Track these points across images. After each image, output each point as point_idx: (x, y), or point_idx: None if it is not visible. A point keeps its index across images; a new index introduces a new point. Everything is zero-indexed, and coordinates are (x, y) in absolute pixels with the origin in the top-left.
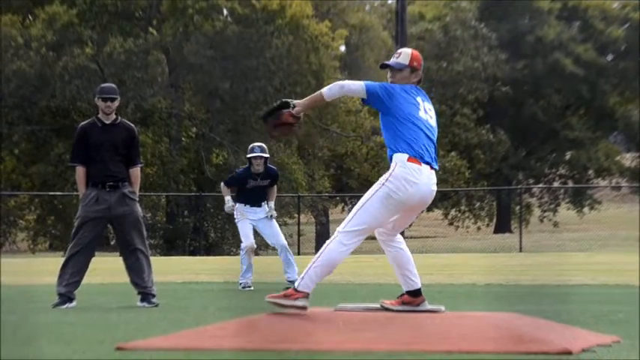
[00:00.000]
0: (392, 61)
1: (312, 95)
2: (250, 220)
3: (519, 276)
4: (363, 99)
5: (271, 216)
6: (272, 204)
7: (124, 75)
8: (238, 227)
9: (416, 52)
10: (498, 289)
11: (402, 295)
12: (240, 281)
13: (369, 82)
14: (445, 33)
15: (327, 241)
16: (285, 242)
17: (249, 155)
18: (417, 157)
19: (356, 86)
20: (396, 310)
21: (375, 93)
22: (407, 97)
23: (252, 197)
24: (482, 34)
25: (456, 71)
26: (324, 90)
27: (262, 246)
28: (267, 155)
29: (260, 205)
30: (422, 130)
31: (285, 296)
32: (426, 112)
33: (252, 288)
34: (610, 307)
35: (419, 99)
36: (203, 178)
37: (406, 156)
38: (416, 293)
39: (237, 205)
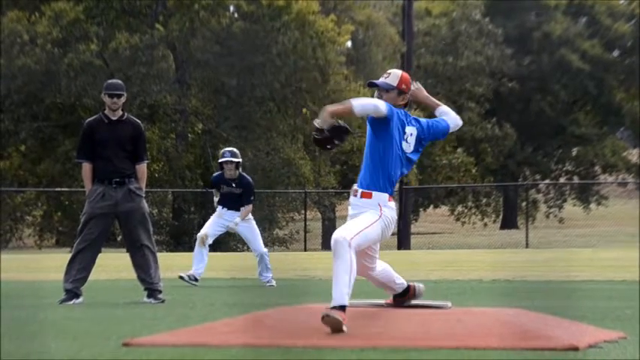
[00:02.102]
0: (380, 80)
1: (342, 103)
2: (226, 221)
3: (526, 272)
4: (373, 118)
5: (228, 226)
6: (238, 220)
7: (130, 71)
8: None
9: (405, 75)
10: (505, 285)
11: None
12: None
13: (388, 103)
14: (451, 28)
15: (346, 252)
16: (264, 250)
17: (219, 160)
18: (392, 195)
19: (383, 106)
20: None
21: (390, 114)
22: (398, 124)
23: (228, 202)
24: (488, 30)
25: (460, 66)
26: (354, 102)
27: (269, 242)
28: (237, 160)
29: (238, 210)
30: (402, 162)
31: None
32: (407, 139)
33: (196, 283)
34: (616, 303)
35: (403, 125)
36: (209, 175)
37: (387, 196)
38: (406, 290)
39: (218, 206)
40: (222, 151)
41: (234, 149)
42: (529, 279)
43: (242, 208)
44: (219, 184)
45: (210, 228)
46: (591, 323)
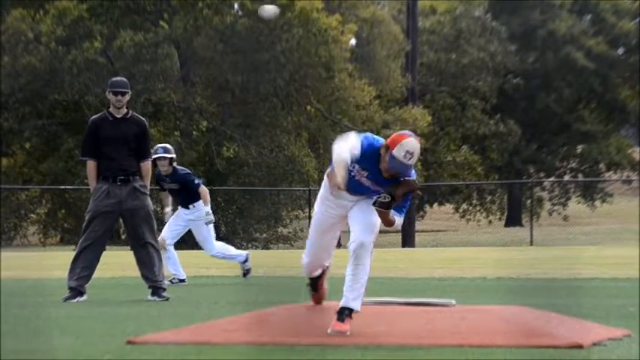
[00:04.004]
0: (412, 173)
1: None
2: (184, 220)
3: (530, 269)
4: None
5: (208, 222)
6: (207, 208)
7: (134, 69)
8: None
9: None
10: (509, 282)
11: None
12: None
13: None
14: (453, 25)
15: (369, 258)
16: (214, 251)
17: (152, 157)
18: None
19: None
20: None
21: None
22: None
23: (175, 199)
24: (492, 26)
25: (462, 64)
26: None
27: (272, 240)
28: (170, 155)
29: (187, 207)
30: None
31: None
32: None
33: (184, 282)
34: (621, 301)
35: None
36: (213, 172)
37: None
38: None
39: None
40: (155, 147)
41: (167, 145)
42: (533, 277)
43: (195, 204)
44: (158, 182)
45: (166, 231)
46: (595, 321)
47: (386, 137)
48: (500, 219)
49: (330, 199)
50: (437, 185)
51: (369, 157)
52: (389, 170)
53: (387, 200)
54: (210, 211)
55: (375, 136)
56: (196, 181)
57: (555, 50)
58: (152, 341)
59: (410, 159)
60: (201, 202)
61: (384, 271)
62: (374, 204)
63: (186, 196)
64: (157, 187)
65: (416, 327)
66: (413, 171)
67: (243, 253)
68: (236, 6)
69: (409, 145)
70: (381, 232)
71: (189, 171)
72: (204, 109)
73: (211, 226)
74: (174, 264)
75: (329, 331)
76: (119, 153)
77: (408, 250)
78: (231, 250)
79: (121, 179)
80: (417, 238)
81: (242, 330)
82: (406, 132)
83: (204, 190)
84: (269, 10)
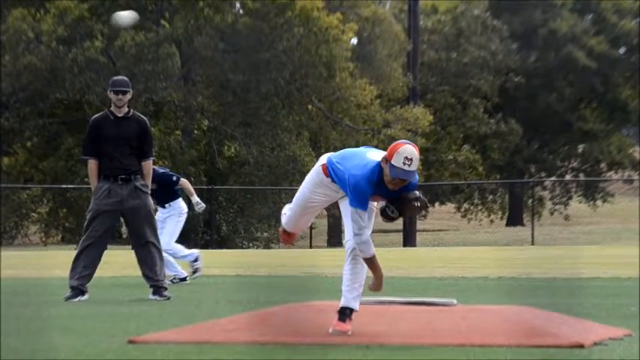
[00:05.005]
0: (410, 176)
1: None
2: (161, 220)
3: (531, 269)
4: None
5: (200, 209)
6: (195, 198)
7: (136, 68)
8: None
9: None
10: (510, 282)
11: None
12: None
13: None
14: (454, 24)
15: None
16: (166, 247)
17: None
18: None
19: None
20: None
21: None
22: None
23: (152, 198)
24: (493, 25)
25: (463, 63)
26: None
27: (274, 240)
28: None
29: (164, 207)
30: None
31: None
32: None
33: (186, 281)
34: (622, 301)
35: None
36: (214, 170)
37: None
38: None
39: None
40: None
41: None
42: (535, 276)
43: (171, 203)
44: None
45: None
46: (596, 320)
47: (387, 137)
48: (501, 218)
49: (321, 188)
50: (438, 185)
51: (376, 183)
52: (392, 181)
53: (394, 215)
54: (199, 200)
55: (369, 159)
56: (174, 178)
57: (556, 49)
58: (153, 340)
59: (410, 165)
60: (178, 200)
61: (385, 270)
62: (381, 213)
63: (163, 196)
64: None
65: (417, 326)
66: (416, 177)
67: (194, 252)
68: (237, 5)
69: (407, 151)
70: (382, 231)
71: (166, 169)
72: (206, 109)
73: (179, 226)
74: (171, 266)
75: (330, 330)
76: (120, 152)
77: (410, 250)
78: (182, 251)
79: (122, 178)
80: (419, 237)
81: (243, 329)
82: (402, 140)
83: (184, 182)
84: (124, 17)
